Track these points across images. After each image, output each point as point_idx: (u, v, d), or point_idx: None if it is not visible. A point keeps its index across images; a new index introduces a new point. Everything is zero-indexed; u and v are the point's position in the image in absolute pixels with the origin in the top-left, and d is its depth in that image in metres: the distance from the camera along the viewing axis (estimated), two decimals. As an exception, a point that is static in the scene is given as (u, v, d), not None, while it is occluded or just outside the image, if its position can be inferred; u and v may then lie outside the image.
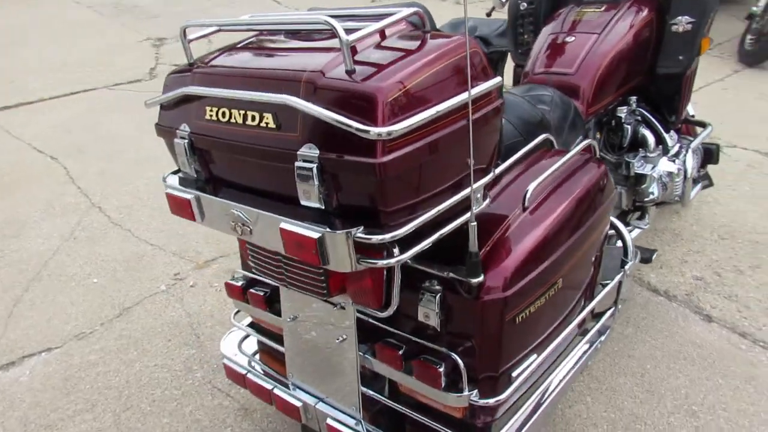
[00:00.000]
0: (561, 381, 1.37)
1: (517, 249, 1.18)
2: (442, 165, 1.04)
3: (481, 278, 1.08)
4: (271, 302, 1.49)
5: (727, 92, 4.10)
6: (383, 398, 1.33)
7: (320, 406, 1.41)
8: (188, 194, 1.23)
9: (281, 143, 1.03)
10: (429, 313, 1.18)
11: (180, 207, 1.26)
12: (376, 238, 0.98)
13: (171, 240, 2.79)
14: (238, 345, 1.70)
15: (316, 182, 0.99)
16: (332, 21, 0.97)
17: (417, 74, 0.98)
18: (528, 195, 1.25)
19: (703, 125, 2.29)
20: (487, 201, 1.16)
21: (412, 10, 1.09)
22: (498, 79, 1.09)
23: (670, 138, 2.15)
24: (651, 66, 2.10)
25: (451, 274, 1.12)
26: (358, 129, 0.91)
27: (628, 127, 2.09)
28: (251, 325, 1.68)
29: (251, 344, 1.70)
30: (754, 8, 4.21)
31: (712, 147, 2.33)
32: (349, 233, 0.98)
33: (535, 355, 1.27)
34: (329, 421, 1.37)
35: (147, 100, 1.32)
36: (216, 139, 1.15)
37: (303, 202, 1.04)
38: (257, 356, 1.67)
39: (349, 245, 0.99)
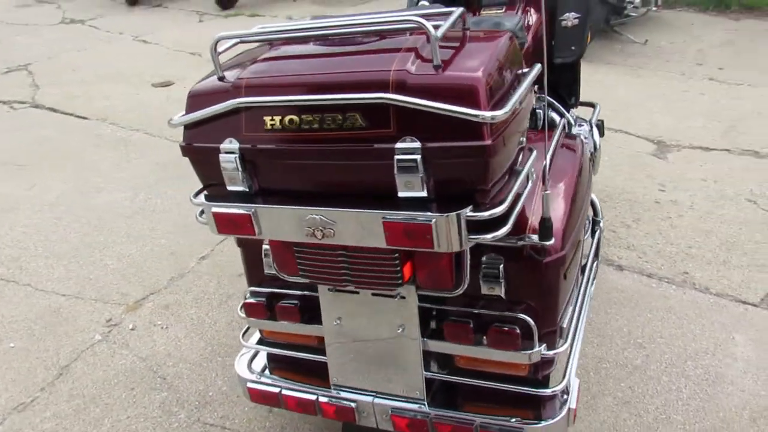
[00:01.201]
0: (581, 325, 1.56)
1: (558, 214, 1.34)
2: (514, 141, 1.17)
3: (552, 241, 1.23)
4: (303, 312, 1.49)
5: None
6: (449, 377, 1.41)
7: (378, 400, 1.44)
8: (246, 209, 1.21)
9: (373, 140, 1.08)
10: (493, 284, 1.29)
11: (235, 224, 1.23)
12: (487, 214, 1.08)
13: (84, 286, 2.53)
14: (248, 365, 1.66)
15: (421, 172, 1.06)
16: (421, 20, 1.06)
17: (493, 63, 1.10)
18: (546, 172, 1.41)
19: (592, 105, 2.67)
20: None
21: (460, 10, 1.20)
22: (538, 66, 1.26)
23: (572, 118, 2.48)
24: (549, 57, 2.41)
25: (522, 242, 1.24)
26: (473, 115, 1.00)
27: (540, 112, 2.38)
28: (262, 342, 1.65)
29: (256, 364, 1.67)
30: None
31: (599, 123, 2.73)
32: (461, 214, 1.07)
33: (570, 306, 1.44)
34: (394, 412, 1.41)
35: (173, 119, 1.26)
36: (283, 148, 1.15)
37: (402, 194, 1.09)
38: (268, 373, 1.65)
39: (461, 225, 1.07)
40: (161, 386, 2.03)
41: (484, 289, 1.30)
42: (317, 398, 1.50)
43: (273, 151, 1.17)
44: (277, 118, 1.15)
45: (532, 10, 2.36)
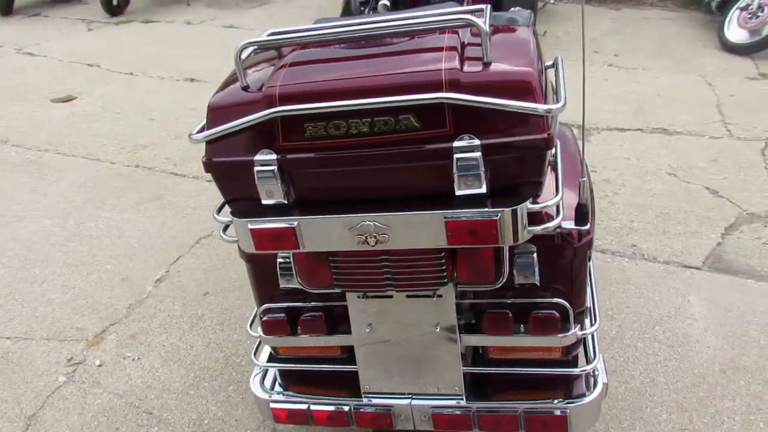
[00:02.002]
0: (597, 303, 1.63)
1: (578, 198, 1.40)
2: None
3: (588, 225, 1.28)
4: (328, 324, 1.46)
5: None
6: (490, 369, 1.43)
7: (416, 401, 1.44)
8: (289, 222, 1.16)
9: (429, 141, 1.08)
10: (529, 273, 1.33)
11: (276, 239, 1.18)
12: (549, 203, 1.11)
13: (31, 326, 2.31)
14: (260, 385, 1.59)
15: (482, 169, 1.07)
16: (472, 17, 1.07)
17: (533, 57, 1.13)
18: (583, 159, 1.45)
19: None
20: None
21: (488, 6, 1.22)
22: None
23: None
24: None
25: (560, 229, 1.28)
26: (535, 110, 1.03)
27: None
28: (273, 360, 1.59)
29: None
30: None
31: None
32: (524, 207, 1.09)
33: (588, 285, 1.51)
34: (434, 410, 1.42)
35: (194, 134, 1.19)
36: (330, 155, 1.12)
37: (461, 192, 1.10)
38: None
39: (524, 218, 1.10)
40: (149, 422, 1.90)
41: (519, 279, 1.34)
42: (350, 409, 1.47)
43: (318, 159, 1.13)
44: (320, 125, 1.11)
45: (474, 4, 2.43)
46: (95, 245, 2.77)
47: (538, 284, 1.35)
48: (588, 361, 1.45)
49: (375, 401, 1.48)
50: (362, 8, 2.54)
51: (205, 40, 5.53)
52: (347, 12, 2.55)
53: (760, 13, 4.81)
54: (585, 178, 1.24)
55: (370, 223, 1.14)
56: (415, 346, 1.42)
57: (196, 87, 4.49)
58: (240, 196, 1.24)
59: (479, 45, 1.17)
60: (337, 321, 1.46)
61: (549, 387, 1.45)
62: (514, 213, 1.09)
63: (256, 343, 1.64)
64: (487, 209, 1.09)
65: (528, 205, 1.10)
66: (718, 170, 3.23)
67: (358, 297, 1.39)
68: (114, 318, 2.34)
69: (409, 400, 1.45)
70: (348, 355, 1.52)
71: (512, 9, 2.42)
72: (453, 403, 1.43)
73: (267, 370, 1.63)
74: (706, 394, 1.93)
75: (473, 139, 1.07)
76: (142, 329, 2.27)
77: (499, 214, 1.08)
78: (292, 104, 1.11)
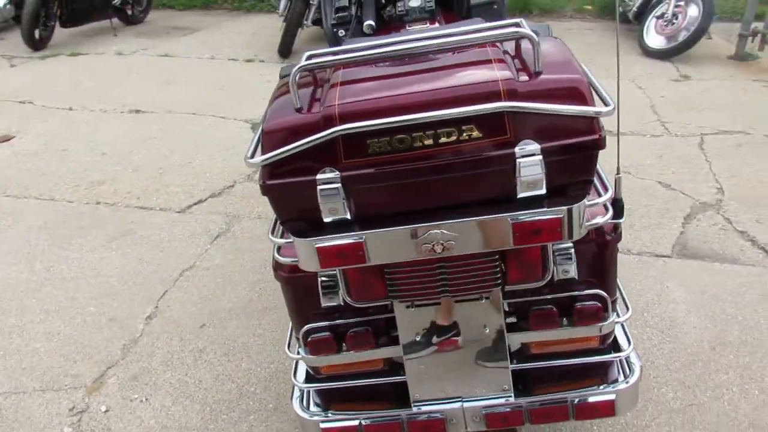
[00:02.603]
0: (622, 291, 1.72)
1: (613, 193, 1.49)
2: None
3: (624, 218, 1.37)
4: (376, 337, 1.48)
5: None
6: (536, 363, 1.50)
7: (467, 404, 1.48)
8: (355, 237, 1.19)
9: (492, 148, 1.14)
10: (568, 267, 1.41)
11: (343, 255, 1.20)
12: (602, 200, 1.19)
13: (20, 379, 2.18)
14: (303, 406, 1.59)
15: (542, 171, 1.14)
16: (526, 29, 1.14)
17: (576, 64, 1.22)
18: (618, 156, 1.53)
19: None
20: None
21: (520, 20, 1.30)
22: None
23: None
24: None
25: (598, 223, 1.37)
26: (590, 112, 1.12)
27: None
28: (317, 380, 1.59)
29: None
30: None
31: None
32: (584, 204, 1.17)
33: None
34: (486, 410, 1.47)
35: (253, 159, 1.20)
36: (395, 169, 1.16)
37: (523, 194, 1.17)
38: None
39: (582, 215, 1.18)
40: (174, 461, 1.84)
41: (559, 274, 1.41)
42: (402, 420, 1.49)
43: (383, 173, 1.17)
44: (384, 140, 1.15)
45: (449, 20, 2.53)
46: (71, 288, 2.65)
47: (576, 277, 1.43)
48: (619, 348, 1.54)
49: (426, 409, 1.51)
50: (336, 30, 2.58)
51: (143, 70, 5.39)
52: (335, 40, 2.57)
53: (674, 21, 5.22)
54: (620, 175, 1.34)
55: (438, 231, 1.19)
56: (463, 351, 1.46)
57: (143, 118, 4.37)
58: (296, 216, 1.26)
59: (520, 56, 1.25)
60: (380, 334, 1.48)
61: (587, 375, 1.53)
62: (575, 210, 1.17)
63: (294, 365, 1.63)
64: (552, 208, 1.16)
65: (586, 202, 1.18)
66: (665, 166, 3.48)
67: (407, 307, 1.42)
68: (110, 361, 2.24)
69: (460, 404, 1.49)
70: (389, 366, 1.55)
71: (417, 27, 2.55)
72: (503, 401, 1.49)
73: (307, 392, 1.62)
74: (703, 370, 2.08)
75: (533, 143, 1.14)
76: (144, 369, 2.19)
77: (563, 212, 1.16)
78: (353, 122, 1.15)
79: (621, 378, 1.54)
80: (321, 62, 1.22)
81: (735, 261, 2.63)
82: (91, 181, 3.54)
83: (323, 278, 1.46)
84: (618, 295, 1.57)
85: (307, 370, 1.65)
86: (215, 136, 4.05)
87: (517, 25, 1.30)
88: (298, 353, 1.55)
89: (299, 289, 1.50)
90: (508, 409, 1.47)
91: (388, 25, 2.55)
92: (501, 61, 1.21)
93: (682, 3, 5.19)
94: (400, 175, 1.17)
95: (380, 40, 1.33)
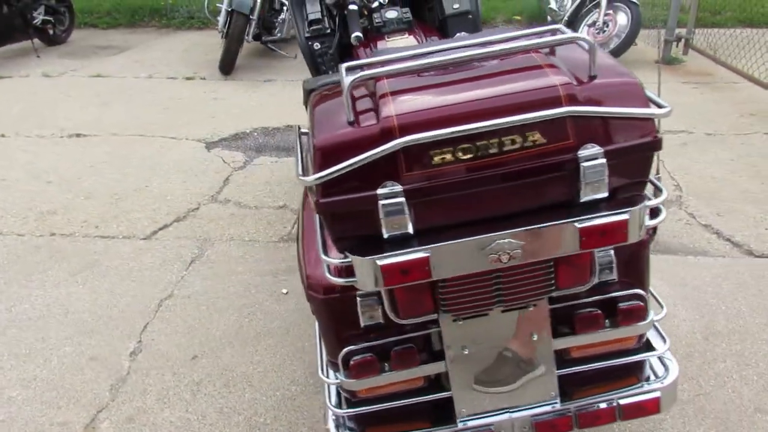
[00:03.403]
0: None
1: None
2: None
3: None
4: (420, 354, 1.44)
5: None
6: (581, 367, 1.50)
7: (515, 414, 1.47)
8: (420, 252, 1.15)
9: (555, 154, 1.14)
10: (609, 269, 1.42)
11: (407, 272, 1.17)
12: (660, 200, 1.21)
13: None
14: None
15: (606, 175, 1.15)
16: (585, 35, 1.15)
17: (622, 66, 1.24)
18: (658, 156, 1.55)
19: None
20: None
21: (555, 28, 1.31)
22: None
23: None
24: None
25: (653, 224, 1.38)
26: (651, 114, 1.14)
27: None
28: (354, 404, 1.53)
29: None
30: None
31: None
32: (647, 205, 1.18)
33: None
34: (535, 419, 1.45)
35: (309, 177, 1.14)
36: (461, 179, 1.14)
37: (586, 198, 1.17)
38: None
39: (643, 216, 1.19)
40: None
41: (601, 276, 1.42)
42: (454, 436, 1.46)
43: (448, 184, 1.14)
44: (448, 151, 1.13)
45: (427, 31, 2.54)
46: (40, 327, 2.44)
47: (616, 278, 1.45)
48: (650, 347, 1.57)
49: (472, 423, 1.48)
50: (312, 43, 2.53)
51: (75, 92, 5.09)
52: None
53: (605, 29, 5.48)
54: (659, 175, 1.37)
55: (505, 240, 1.17)
56: (510, 360, 1.45)
57: (86, 142, 4.12)
58: (350, 234, 1.20)
59: (567, 61, 1.25)
60: (422, 350, 1.45)
61: (622, 375, 1.55)
62: (639, 212, 1.18)
63: (327, 390, 1.56)
64: (618, 211, 1.17)
65: (647, 203, 1.20)
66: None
67: (453, 320, 1.39)
68: (99, 403, 2.07)
69: (508, 415, 1.47)
70: (428, 383, 1.51)
71: (459, 34, 2.58)
72: (550, 408, 1.48)
73: (342, 417, 1.56)
74: (702, 360, 2.17)
75: (596, 147, 1.14)
76: (138, 409, 2.04)
77: (629, 214, 1.16)
78: (415, 133, 1.11)
79: (653, 376, 1.57)
80: (378, 72, 1.18)
81: (705, 253, 2.77)
82: (41, 211, 3.29)
83: (362, 297, 1.41)
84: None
85: (338, 394, 1.58)
86: (169, 158, 3.88)
87: (556, 31, 1.31)
88: (336, 377, 1.48)
89: (336, 310, 1.44)
90: (557, 416, 1.47)
91: (366, 37, 2.53)
92: (552, 66, 1.21)
93: (611, 11, 5.46)
94: (465, 185, 1.15)
95: (424, 48, 1.30)
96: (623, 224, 1.17)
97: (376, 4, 2.43)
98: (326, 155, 1.15)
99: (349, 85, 1.14)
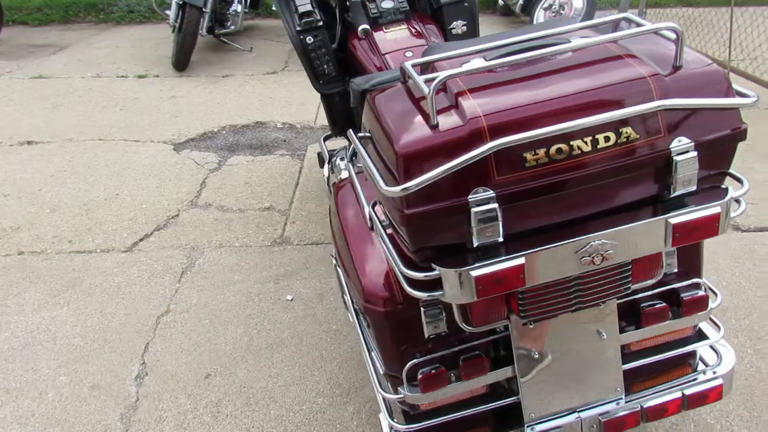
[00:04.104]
0: None
1: None
2: None
3: None
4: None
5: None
6: (644, 360, 1.47)
7: (583, 414, 1.44)
8: (516, 260, 1.10)
9: (649, 149, 1.10)
10: (671, 260, 1.40)
11: (501, 281, 1.11)
12: (744, 191, 1.19)
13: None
14: None
15: (696, 168, 1.12)
16: (675, 24, 1.11)
17: (697, 52, 1.21)
18: None
19: None
20: None
21: (625, 16, 1.26)
22: None
23: None
24: None
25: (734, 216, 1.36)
26: (742, 104, 1.11)
27: None
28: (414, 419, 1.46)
29: None
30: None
31: None
32: (733, 197, 1.16)
33: None
34: (604, 417, 1.43)
35: (399, 187, 1.05)
36: (555, 180, 1.09)
37: (678, 192, 1.14)
38: None
39: (730, 208, 1.17)
40: None
41: (665, 268, 1.40)
42: (524, 443, 1.41)
43: (544, 186, 1.09)
44: (541, 152, 1.08)
45: (424, 21, 2.46)
46: (28, 357, 2.24)
47: (677, 269, 1.43)
48: (702, 335, 1.57)
49: (540, 427, 1.44)
50: (303, 37, 2.40)
51: (17, 95, 4.73)
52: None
53: (562, 11, 5.55)
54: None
55: (599, 242, 1.12)
56: (578, 360, 1.42)
57: (41, 150, 3.83)
58: (433, 244, 1.13)
59: (646, 51, 1.21)
60: (487, 356, 1.40)
61: (678, 365, 1.55)
62: (728, 204, 1.15)
63: (386, 406, 1.49)
64: (710, 204, 1.14)
65: (734, 195, 1.18)
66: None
67: (524, 324, 1.35)
68: (107, 434, 1.92)
69: (577, 415, 1.44)
70: (490, 389, 1.46)
71: (455, 23, 2.51)
72: (612, 406, 1.45)
73: None
74: (718, 337, 2.20)
75: (686, 140, 1.11)
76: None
77: (721, 207, 1.14)
78: (505, 134, 1.05)
79: (701, 364, 1.57)
80: (465, 71, 1.10)
81: (697, 231, 2.83)
82: (3, 228, 3.03)
83: (426, 307, 1.34)
84: None
85: (390, 409, 1.51)
86: (136, 163, 3.66)
87: (626, 20, 1.26)
88: (398, 392, 1.41)
89: (398, 323, 1.37)
90: (625, 412, 1.44)
91: (351, 27, 2.42)
92: (632, 56, 1.16)
93: (567, -5, 5.53)
94: (559, 186, 1.10)
95: (492, 41, 1.23)
96: (716, 218, 1.14)
97: None
98: (412, 163, 1.07)
99: (434, 87, 1.06)
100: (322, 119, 4.16)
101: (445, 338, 1.39)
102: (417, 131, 1.10)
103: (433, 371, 1.36)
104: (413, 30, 2.39)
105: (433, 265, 1.13)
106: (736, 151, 1.18)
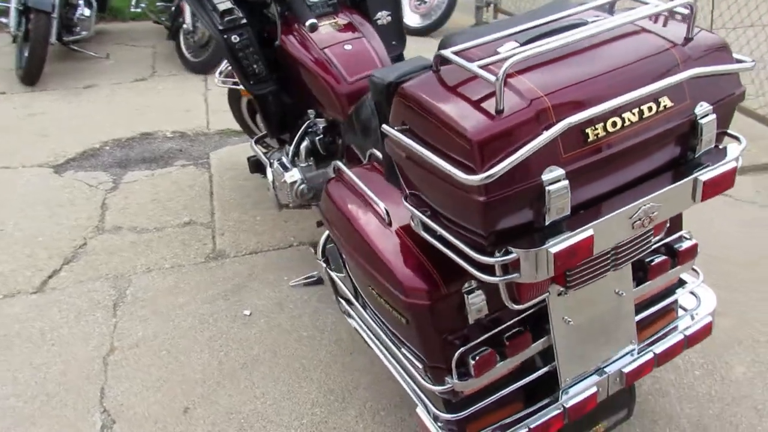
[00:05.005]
0: None
1: None
2: None
3: None
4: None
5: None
6: (651, 310, 1.60)
7: (607, 368, 1.53)
8: (586, 232, 1.14)
9: (680, 116, 1.20)
10: None
11: (576, 254, 1.15)
12: (743, 147, 1.33)
13: None
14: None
15: (715, 128, 1.24)
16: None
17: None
18: None
19: None
20: None
21: None
22: None
23: None
24: None
25: None
26: (750, 67, 1.25)
27: None
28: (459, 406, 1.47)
29: None
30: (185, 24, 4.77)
31: None
32: (741, 152, 1.30)
33: None
34: (626, 369, 1.53)
35: (481, 174, 1.05)
36: (612, 153, 1.15)
37: (700, 152, 1.25)
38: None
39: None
40: None
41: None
42: (564, 407, 1.47)
43: (603, 160, 1.14)
44: (600, 126, 1.13)
45: (351, 13, 2.42)
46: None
47: (668, 225, 1.57)
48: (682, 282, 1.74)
49: (574, 389, 1.51)
50: (228, 36, 2.26)
51: None
52: None
53: (426, 0, 5.74)
54: None
55: (647, 206, 1.20)
56: (601, 319, 1.51)
57: None
58: (504, 227, 1.14)
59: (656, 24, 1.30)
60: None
61: (668, 311, 1.70)
62: (738, 159, 1.29)
63: (424, 400, 1.48)
64: (728, 160, 1.26)
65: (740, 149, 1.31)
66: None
67: (559, 294, 1.40)
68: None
69: (603, 373, 1.53)
70: (522, 364, 1.51)
71: (380, 13, 2.51)
72: (629, 358, 1.56)
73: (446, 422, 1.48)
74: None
75: (706, 104, 1.22)
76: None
77: (738, 161, 1.27)
78: (570, 112, 1.09)
79: (681, 310, 1.74)
80: (537, 52, 1.10)
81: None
82: None
83: (469, 291, 1.35)
84: None
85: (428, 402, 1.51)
86: (14, 192, 3.21)
87: None
88: (444, 383, 1.41)
89: (443, 313, 1.37)
90: (643, 361, 1.56)
91: (290, 22, 2.33)
92: (647, 30, 1.25)
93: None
94: (615, 158, 1.17)
95: (524, 23, 1.25)
96: (734, 171, 1.27)
97: None
98: (486, 149, 1.07)
99: (503, 72, 1.05)
100: (216, 124, 3.95)
101: (485, 321, 1.41)
102: (482, 117, 1.09)
103: (484, 354, 1.38)
104: (345, 22, 2.35)
105: (510, 248, 1.14)
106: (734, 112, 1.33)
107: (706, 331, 1.66)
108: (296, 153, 2.41)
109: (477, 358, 1.37)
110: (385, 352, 1.65)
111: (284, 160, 2.42)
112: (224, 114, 4.03)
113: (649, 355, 1.57)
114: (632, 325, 1.56)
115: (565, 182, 1.10)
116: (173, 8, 5.10)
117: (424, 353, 1.43)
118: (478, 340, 1.40)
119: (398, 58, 2.57)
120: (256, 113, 3.19)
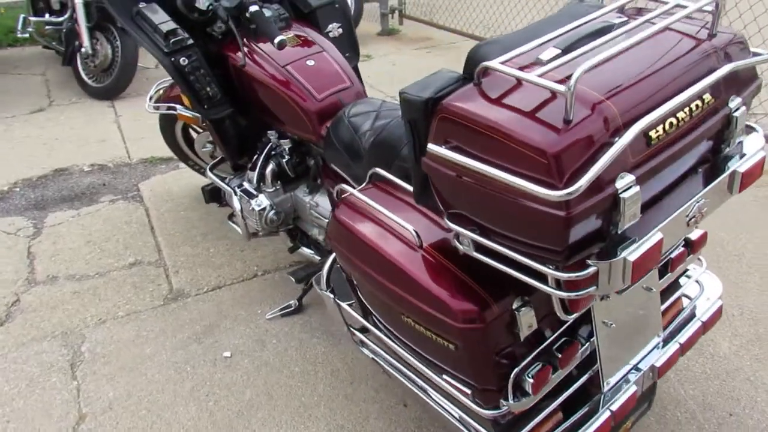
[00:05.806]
0: None
1: None
2: None
3: None
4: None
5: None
6: (672, 299, 1.63)
7: (642, 365, 1.54)
8: (656, 236, 1.13)
9: (719, 111, 1.22)
10: None
11: (651, 259, 1.13)
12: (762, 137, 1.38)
13: None
14: None
15: (745, 120, 1.28)
16: None
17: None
18: None
19: None
20: None
21: None
22: None
23: None
24: None
25: None
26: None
27: None
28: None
29: None
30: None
31: None
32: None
33: None
34: (657, 363, 1.55)
35: (567, 190, 1.00)
36: (671, 153, 1.14)
37: (735, 143, 1.28)
38: None
39: None
40: None
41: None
42: (612, 411, 1.46)
43: (665, 159, 1.14)
44: (661, 127, 1.12)
45: (304, 27, 2.32)
46: None
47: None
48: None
49: (614, 391, 1.50)
50: (176, 58, 2.07)
51: None
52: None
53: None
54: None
55: (698, 203, 1.21)
56: (634, 317, 1.51)
57: None
58: (575, 239, 1.10)
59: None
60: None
61: (678, 298, 1.74)
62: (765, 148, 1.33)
63: (479, 427, 1.42)
64: (757, 149, 1.30)
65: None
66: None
67: (601, 299, 1.39)
68: None
69: (640, 371, 1.53)
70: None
71: (330, 25, 2.42)
72: (659, 349, 1.58)
73: None
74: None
75: (736, 97, 1.25)
76: None
77: (765, 151, 1.31)
78: (634, 115, 1.07)
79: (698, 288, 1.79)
80: (603, 59, 1.06)
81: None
82: None
83: (518, 308, 1.31)
84: None
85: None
86: None
87: None
88: (500, 407, 1.35)
89: (496, 333, 1.31)
90: (671, 352, 1.59)
91: (248, 40, 2.17)
92: (674, 30, 1.26)
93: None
94: (674, 157, 1.16)
95: (560, 27, 1.22)
96: (763, 161, 1.31)
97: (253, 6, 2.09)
98: (563, 162, 1.02)
99: (574, 82, 1.01)
100: (137, 152, 3.66)
101: (532, 335, 1.37)
102: (550, 129, 1.05)
103: (541, 370, 1.33)
104: (301, 37, 2.23)
105: (588, 261, 1.10)
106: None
107: (718, 314, 1.71)
108: (261, 178, 2.26)
109: (534, 375, 1.32)
110: (416, 379, 1.57)
111: (247, 186, 2.26)
112: (144, 141, 3.78)
113: (675, 346, 1.60)
114: (659, 317, 1.58)
115: (637, 188, 1.08)
116: (64, 31, 4.68)
117: (474, 377, 1.37)
118: (531, 357, 1.35)
119: (354, 70, 2.48)
120: (192, 139, 2.99)
